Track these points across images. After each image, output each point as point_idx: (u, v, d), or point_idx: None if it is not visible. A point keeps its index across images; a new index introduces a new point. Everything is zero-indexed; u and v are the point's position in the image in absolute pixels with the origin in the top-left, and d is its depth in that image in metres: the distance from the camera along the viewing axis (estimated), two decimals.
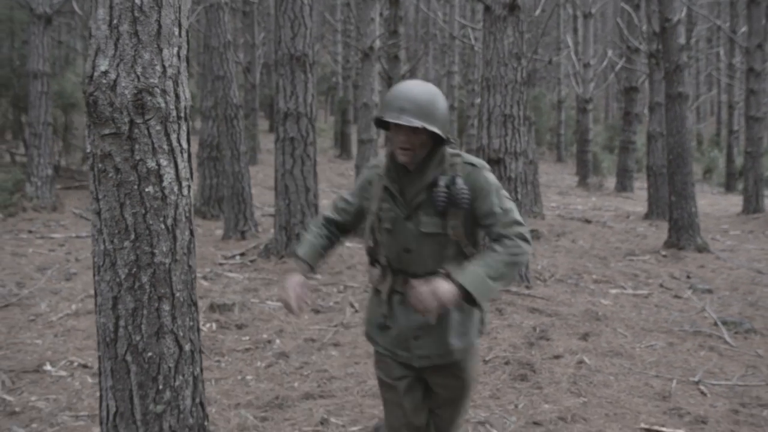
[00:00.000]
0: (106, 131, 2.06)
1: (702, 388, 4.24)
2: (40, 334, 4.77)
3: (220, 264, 7.14)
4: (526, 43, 11.33)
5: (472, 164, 2.21)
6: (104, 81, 2.04)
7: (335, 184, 16.70)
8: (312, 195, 7.09)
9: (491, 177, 2.21)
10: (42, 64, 9.32)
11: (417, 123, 2.04)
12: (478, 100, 18.98)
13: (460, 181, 2.13)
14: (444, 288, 2.04)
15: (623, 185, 18.20)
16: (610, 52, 20.43)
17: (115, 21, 2.01)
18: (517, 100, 6.11)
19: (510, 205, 2.19)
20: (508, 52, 6.05)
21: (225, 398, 3.74)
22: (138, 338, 2.16)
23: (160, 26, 2.05)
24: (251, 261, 7.13)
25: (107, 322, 2.18)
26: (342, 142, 21.69)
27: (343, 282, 6.40)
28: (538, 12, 13.56)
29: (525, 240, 2.14)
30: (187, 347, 2.26)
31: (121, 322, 2.16)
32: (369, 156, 8.76)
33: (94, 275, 2.23)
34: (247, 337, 4.78)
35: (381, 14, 17.12)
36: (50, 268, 6.57)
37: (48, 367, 4.15)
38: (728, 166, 21.73)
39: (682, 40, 9.97)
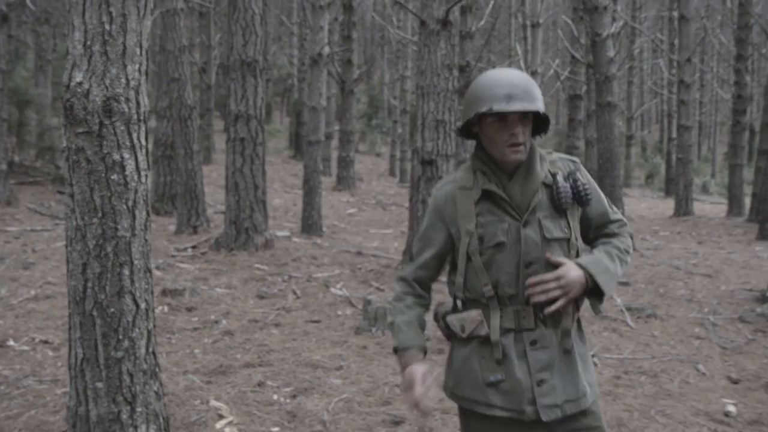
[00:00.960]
0: (80, 130, 2.60)
1: (595, 360, 4.94)
2: (1, 315, 5.20)
3: (173, 256, 7.62)
4: (475, 51, 11.98)
5: (572, 160, 1.97)
6: (79, 90, 2.58)
7: (288, 184, 17.20)
8: (260, 192, 7.63)
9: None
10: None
11: (534, 107, 1.77)
12: None
13: (579, 176, 1.91)
14: (572, 274, 1.80)
15: None
16: (557, 61, 21.43)
17: (88, 42, 2.56)
18: (449, 107, 6.78)
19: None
20: (441, 63, 6.71)
21: (175, 367, 4.26)
22: (103, 297, 2.70)
23: (125, 47, 2.60)
24: (202, 253, 7.64)
25: (77, 284, 2.72)
26: (296, 143, 22.18)
27: (288, 272, 6.95)
28: (483, 21, 14.34)
29: (632, 238, 1.99)
30: (143, 305, 2.81)
31: (89, 284, 2.70)
32: (316, 157, 9.33)
33: (66, 246, 2.76)
34: (196, 318, 5.31)
35: (336, 19, 17.66)
36: (8, 258, 6.95)
37: (11, 343, 4.60)
38: (668, 171, 22.98)
39: (611, 54, 10.81)
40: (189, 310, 5.49)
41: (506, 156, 1.81)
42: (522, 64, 21.48)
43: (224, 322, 5.24)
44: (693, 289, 7.80)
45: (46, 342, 4.65)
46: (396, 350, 1.92)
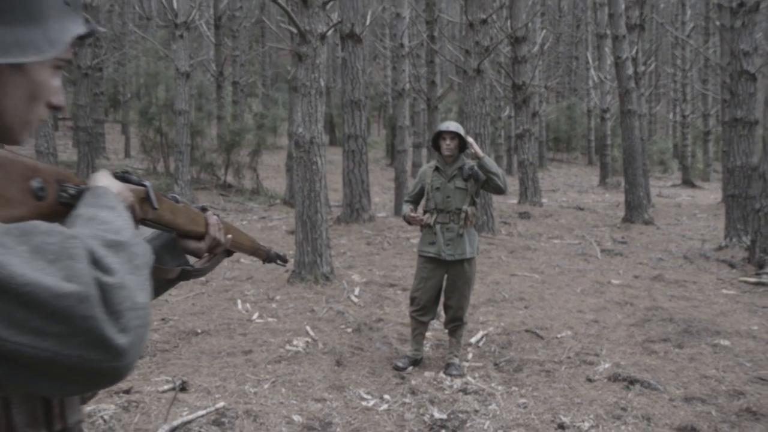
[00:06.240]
0: (301, 150, 7.41)
1: (557, 267, 9.27)
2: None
3: None
4: (528, 72, 16.25)
5: (475, 164, 4.93)
6: (300, 134, 7.38)
7: (385, 186, 22.06)
8: (365, 185, 12.39)
9: None
10: (184, 104, 14.97)
11: (455, 130, 4.94)
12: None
13: (476, 168, 4.89)
14: (477, 147, 4.86)
15: None
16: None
17: (304, 116, 7.36)
18: (483, 124, 11.26)
19: None
20: (477, 97, 11.22)
21: None
22: (310, 213, 7.49)
23: (317, 117, 7.38)
24: (329, 226, 12.46)
25: (300, 209, 7.51)
26: (392, 154, 27.06)
27: (384, 234, 11.65)
28: (536, 48, 18.58)
29: (505, 182, 4.94)
30: (325, 218, 7.58)
31: (305, 209, 7.49)
32: (403, 161, 14.05)
33: (295, 196, 7.54)
34: (333, 252, 10.09)
35: (422, 44, 22.21)
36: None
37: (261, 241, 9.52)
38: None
39: (629, 72, 14.82)
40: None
41: (444, 151, 5.04)
42: (592, 72, 25.37)
43: (348, 253, 9.99)
44: (678, 246, 11.70)
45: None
46: (404, 218, 5.13)
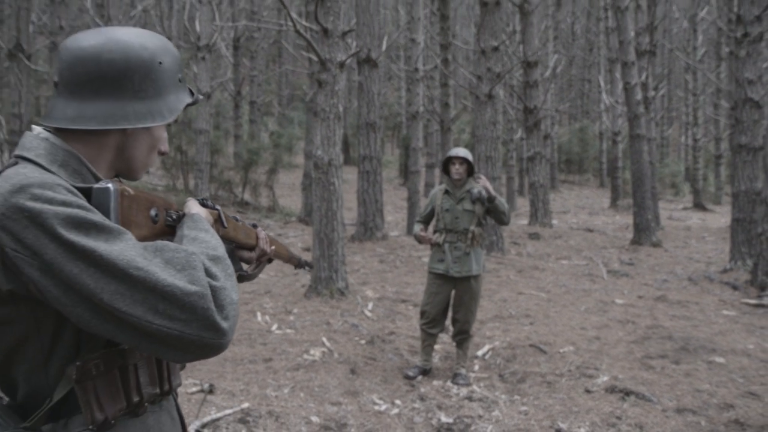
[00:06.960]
0: (320, 171, 7.83)
1: (563, 286, 9.61)
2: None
3: None
4: (539, 96, 16.66)
5: (482, 188, 5.27)
6: (320, 157, 7.81)
7: (398, 206, 22.47)
8: (379, 204, 12.79)
9: None
10: (204, 124, 15.47)
11: (464, 156, 5.32)
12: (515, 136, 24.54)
13: (483, 191, 5.28)
14: (489, 184, 5.30)
15: None
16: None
17: (323, 139, 7.79)
18: (494, 147, 11.66)
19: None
20: (488, 121, 11.63)
21: None
22: (327, 231, 7.89)
23: (335, 141, 7.81)
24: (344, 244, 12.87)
25: (318, 227, 7.92)
26: (405, 174, 27.49)
27: (396, 253, 12.03)
28: (548, 72, 18.99)
29: (509, 218, 5.41)
30: (342, 235, 7.97)
31: (322, 227, 7.89)
32: (416, 182, 14.45)
33: (313, 214, 7.96)
34: (347, 269, 10.47)
35: (436, 67, 22.73)
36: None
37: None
38: None
39: (639, 97, 15.19)
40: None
41: (453, 175, 5.46)
42: (604, 95, 25.76)
43: (362, 270, 10.38)
44: (684, 268, 12.00)
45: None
46: (415, 237, 5.48)
